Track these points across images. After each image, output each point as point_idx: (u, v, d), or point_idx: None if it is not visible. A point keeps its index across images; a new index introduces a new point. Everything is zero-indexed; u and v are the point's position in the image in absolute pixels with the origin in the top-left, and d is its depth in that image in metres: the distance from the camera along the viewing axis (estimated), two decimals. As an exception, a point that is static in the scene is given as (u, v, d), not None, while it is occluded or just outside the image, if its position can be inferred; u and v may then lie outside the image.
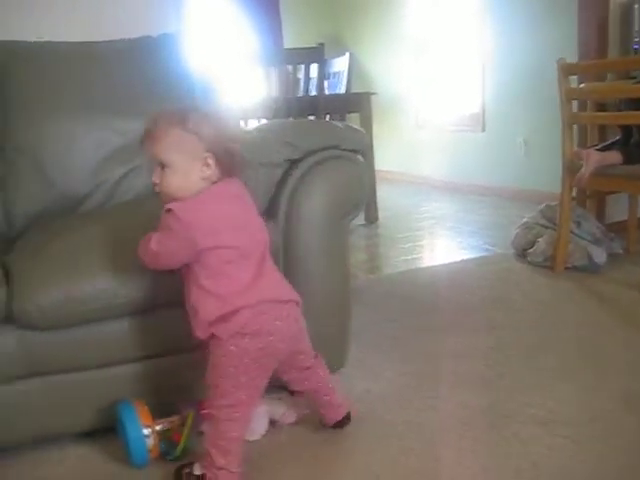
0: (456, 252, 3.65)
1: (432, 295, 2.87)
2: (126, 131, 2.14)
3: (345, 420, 1.75)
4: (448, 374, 2.06)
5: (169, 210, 1.41)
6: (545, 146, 4.54)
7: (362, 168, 1.87)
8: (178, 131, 1.44)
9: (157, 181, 1.46)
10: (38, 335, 1.60)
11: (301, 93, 4.02)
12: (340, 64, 4.99)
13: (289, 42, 5.72)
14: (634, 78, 3.10)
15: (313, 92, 4.08)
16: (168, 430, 1.63)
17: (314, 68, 4.01)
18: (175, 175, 1.44)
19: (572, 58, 3.49)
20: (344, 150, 1.84)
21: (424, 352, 2.23)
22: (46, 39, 2.31)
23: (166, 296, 1.64)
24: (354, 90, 4.96)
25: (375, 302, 2.77)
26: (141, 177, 2.14)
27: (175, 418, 1.65)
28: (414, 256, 3.60)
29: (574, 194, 3.13)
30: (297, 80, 4.05)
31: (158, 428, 1.60)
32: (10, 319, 1.58)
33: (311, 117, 3.99)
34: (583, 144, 3.38)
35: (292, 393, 1.77)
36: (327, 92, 4.68)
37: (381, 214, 4.48)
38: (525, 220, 3.35)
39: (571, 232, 3.02)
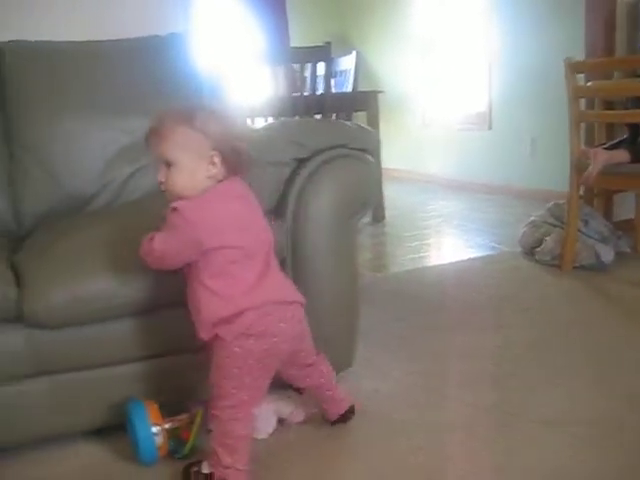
0: (463, 250, 3.65)
1: (439, 294, 2.87)
2: (133, 130, 2.14)
3: (348, 413, 1.75)
4: (456, 373, 2.06)
5: (174, 209, 1.41)
6: (552, 144, 4.53)
7: (371, 167, 1.87)
8: (184, 129, 1.43)
9: (163, 179, 1.46)
10: (46, 334, 1.61)
11: (308, 92, 4.01)
12: (347, 62, 4.98)
13: (296, 41, 5.72)
14: (641, 76, 3.09)
15: (320, 91, 4.08)
16: (177, 428, 1.63)
17: (321, 67, 4.01)
18: (181, 174, 1.43)
19: (579, 57, 3.47)
20: (353, 149, 1.84)
21: (432, 351, 2.23)
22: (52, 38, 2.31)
23: (172, 296, 1.64)
24: (361, 89, 4.94)
25: (382, 301, 2.77)
26: (148, 176, 2.14)
27: (184, 416, 1.65)
28: (421, 254, 3.60)
29: (581, 192, 3.13)
30: (304, 79, 4.05)
31: (167, 426, 1.61)
32: (20, 318, 1.58)
33: (318, 116, 3.99)
34: (590, 142, 3.36)
35: (300, 392, 1.77)
36: (334, 90, 4.67)
37: (388, 212, 4.48)
38: (532, 219, 3.35)
39: (579, 231, 3.02)
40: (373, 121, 4.25)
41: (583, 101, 3.11)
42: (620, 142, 2.94)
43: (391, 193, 4.75)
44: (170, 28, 2.45)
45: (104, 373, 1.70)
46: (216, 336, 1.45)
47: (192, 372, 1.69)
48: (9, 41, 2.28)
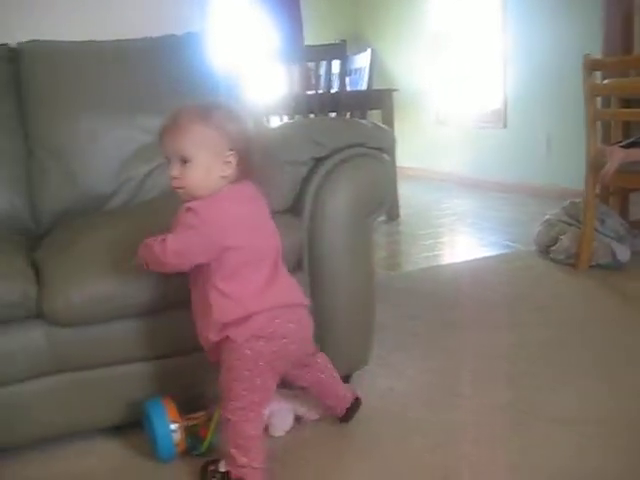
0: (477, 249, 3.65)
1: (454, 292, 2.87)
2: (150, 129, 2.14)
3: (355, 406, 1.75)
4: (470, 371, 2.06)
5: (189, 209, 1.40)
6: (568, 142, 4.51)
7: (388, 166, 1.87)
8: (203, 126, 1.43)
9: (177, 175, 1.44)
10: (65, 332, 1.62)
11: (322, 90, 4.02)
12: (362, 60, 4.98)
13: (310, 39, 5.72)
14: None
15: (334, 89, 4.09)
16: (195, 425, 1.64)
17: (336, 65, 4.01)
18: (196, 171, 1.43)
19: (595, 53, 3.46)
20: (370, 148, 1.84)
21: (446, 349, 2.23)
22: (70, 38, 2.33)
23: (188, 295, 1.65)
24: (375, 86, 4.94)
25: (397, 299, 2.77)
26: (165, 175, 2.11)
27: (202, 414, 1.66)
28: (435, 253, 3.60)
29: (597, 191, 3.11)
30: (319, 77, 4.06)
31: (185, 423, 1.62)
32: (40, 316, 1.60)
33: (332, 114, 4.00)
34: (607, 140, 3.35)
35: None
36: (348, 89, 4.67)
37: (402, 211, 4.48)
38: (548, 217, 3.34)
39: (595, 230, 3.01)
40: (388, 119, 4.26)
41: (599, 99, 3.10)
42: (637, 140, 2.93)
43: (405, 191, 4.74)
44: (187, 27, 2.47)
45: (122, 370, 1.72)
46: (226, 338, 1.45)
47: (207, 370, 1.70)
48: (27, 41, 2.30)
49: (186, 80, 2.25)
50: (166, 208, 1.50)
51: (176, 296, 1.65)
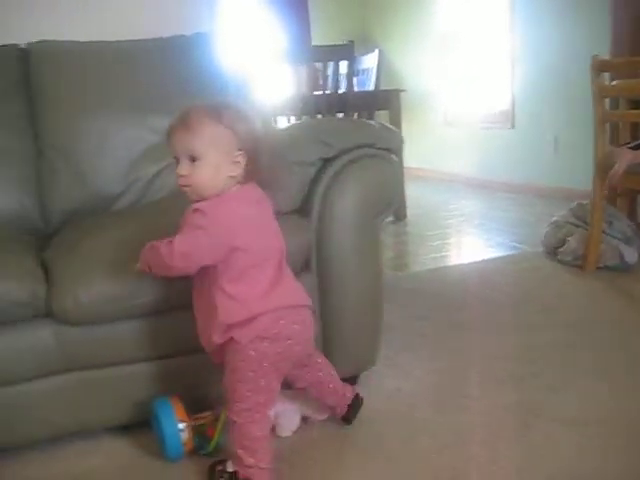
0: (484, 250, 3.64)
1: (461, 293, 2.87)
2: (159, 129, 2.14)
3: (356, 403, 1.75)
4: (478, 372, 2.06)
5: (197, 210, 1.40)
6: (575, 143, 4.51)
7: (396, 167, 1.87)
8: (213, 125, 1.42)
9: (185, 174, 1.43)
10: (74, 331, 1.63)
11: (330, 90, 4.02)
12: (369, 61, 4.98)
13: (318, 39, 5.73)
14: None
15: (342, 89, 4.09)
16: (202, 425, 1.64)
17: (344, 65, 4.02)
18: (205, 169, 1.42)
19: (603, 54, 3.45)
20: (378, 149, 1.84)
21: (454, 350, 2.23)
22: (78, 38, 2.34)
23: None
24: (383, 87, 4.94)
25: (404, 300, 2.77)
26: (173, 175, 2.13)
27: (209, 413, 1.66)
28: (442, 254, 3.60)
29: (605, 192, 3.11)
30: (326, 77, 4.06)
31: (192, 423, 1.62)
32: (49, 315, 1.61)
33: (340, 114, 4.00)
34: (615, 142, 3.34)
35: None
36: (356, 89, 4.68)
37: (409, 211, 4.48)
38: (555, 219, 3.33)
39: (602, 231, 3.00)
40: (395, 120, 4.26)
41: (607, 100, 3.09)
42: (645, 142, 2.92)
43: (413, 192, 4.75)
44: (196, 28, 2.48)
45: (129, 370, 1.72)
46: (230, 340, 1.44)
47: (214, 370, 1.70)
48: (37, 41, 2.31)
49: (195, 80, 2.25)
50: (174, 208, 1.49)
51: (184, 296, 1.65)
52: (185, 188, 1.45)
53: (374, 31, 6.74)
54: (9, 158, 2.17)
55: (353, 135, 1.85)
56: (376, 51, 4.90)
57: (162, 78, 2.30)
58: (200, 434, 1.64)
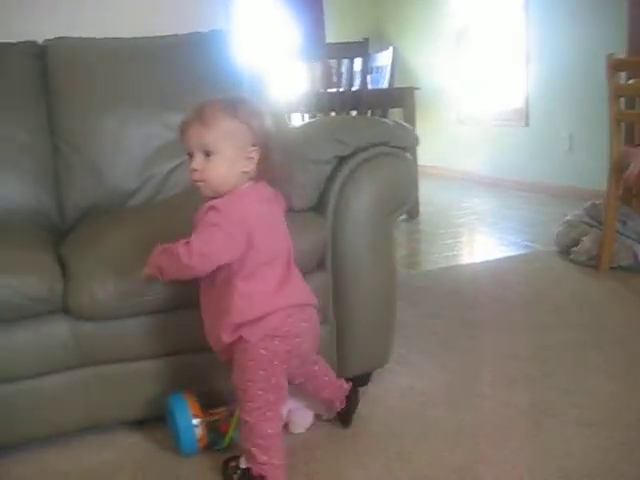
0: (497, 249, 3.63)
1: (474, 292, 2.86)
2: (174, 126, 2.08)
3: (354, 394, 1.74)
4: (491, 372, 2.06)
5: (213, 208, 1.39)
6: (590, 142, 4.49)
7: (410, 165, 1.87)
8: (229, 120, 1.42)
9: (199, 168, 1.43)
10: (90, 326, 1.64)
11: (344, 88, 4.02)
12: (383, 58, 4.98)
13: (332, 37, 5.73)
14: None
15: (355, 86, 4.09)
16: (216, 421, 1.65)
17: (358, 62, 4.02)
18: (220, 164, 1.42)
19: (619, 52, 3.44)
20: (393, 147, 1.84)
21: (467, 349, 2.23)
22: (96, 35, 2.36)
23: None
24: (397, 85, 4.94)
25: (417, 298, 2.78)
26: (188, 172, 2.16)
27: (223, 409, 1.67)
28: (455, 252, 3.60)
29: (620, 192, 3.10)
30: (340, 74, 4.06)
31: (207, 419, 1.63)
32: (66, 311, 1.62)
33: (353, 112, 4.00)
34: (630, 141, 3.33)
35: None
36: (370, 87, 4.67)
37: (422, 209, 4.48)
38: (569, 218, 3.32)
39: (616, 231, 2.99)
40: (409, 118, 4.25)
41: (623, 99, 3.08)
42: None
43: (426, 190, 4.73)
44: (211, 25, 2.49)
45: (144, 366, 1.74)
46: (239, 339, 1.45)
47: (227, 366, 1.71)
48: (54, 38, 2.33)
49: (211, 77, 2.26)
50: (189, 205, 1.49)
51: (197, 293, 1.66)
52: (199, 183, 1.45)
53: (388, 29, 6.73)
54: (26, 154, 2.18)
55: (368, 133, 1.85)
56: (390, 49, 4.90)
57: (178, 75, 2.31)
58: (214, 430, 1.65)
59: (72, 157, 2.22)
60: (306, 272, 1.72)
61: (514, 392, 1.91)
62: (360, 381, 1.94)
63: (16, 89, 2.24)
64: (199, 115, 1.43)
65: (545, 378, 1.99)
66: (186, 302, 1.65)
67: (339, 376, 1.79)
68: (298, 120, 4.10)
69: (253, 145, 1.45)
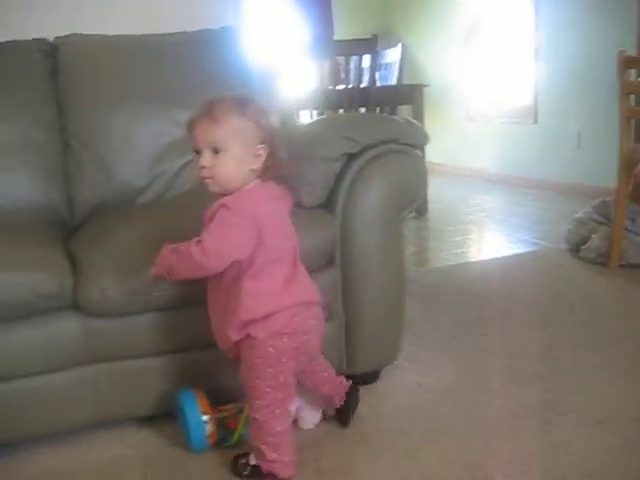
0: (506, 246, 3.63)
1: (483, 289, 2.86)
2: (184, 123, 2.10)
3: (354, 393, 1.73)
4: (500, 369, 2.05)
5: (224, 205, 1.40)
6: (599, 139, 4.47)
7: (420, 163, 1.87)
8: (239, 117, 1.43)
9: (208, 165, 1.43)
10: (100, 322, 1.65)
11: (352, 85, 4.02)
12: (392, 55, 4.98)
13: (341, 34, 5.72)
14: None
15: (364, 83, 4.09)
16: (225, 417, 1.65)
17: (366, 59, 4.01)
18: (228, 161, 1.42)
19: (629, 49, 3.42)
20: (403, 145, 1.84)
21: (476, 346, 2.23)
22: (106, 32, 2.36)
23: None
24: (405, 81, 4.94)
25: (426, 295, 2.77)
26: (196, 168, 2.17)
27: (232, 406, 1.67)
28: (464, 249, 3.59)
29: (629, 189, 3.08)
30: (348, 71, 4.06)
31: (216, 415, 1.64)
32: (76, 307, 1.63)
33: (362, 109, 4.00)
34: (639, 138, 3.32)
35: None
36: (378, 84, 4.67)
37: (431, 206, 4.47)
38: (578, 215, 3.31)
39: (625, 228, 2.98)
40: (418, 115, 4.24)
41: (633, 96, 3.06)
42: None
43: (434, 187, 4.70)
44: (221, 23, 2.49)
45: (153, 362, 1.74)
46: (247, 336, 1.45)
47: (236, 363, 1.71)
48: (64, 35, 2.34)
49: (220, 74, 2.26)
50: (198, 202, 1.49)
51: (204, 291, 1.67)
52: (207, 180, 1.45)
53: (397, 25, 6.72)
54: (37, 152, 2.19)
55: (378, 131, 1.85)
56: (399, 45, 4.91)
57: (187, 72, 2.31)
58: (223, 426, 1.65)
59: (82, 154, 2.23)
60: (315, 269, 1.73)
61: (524, 390, 1.90)
62: (368, 378, 1.95)
63: (27, 86, 2.24)
64: (208, 112, 1.43)
65: (555, 376, 1.99)
66: (194, 299, 1.66)
67: (348, 373, 1.80)
68: (307, 117, 4.10)
69: (261, 143, 1.45)
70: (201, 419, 1.60)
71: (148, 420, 1.80)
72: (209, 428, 1.62)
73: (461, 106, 6.07)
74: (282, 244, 1.48)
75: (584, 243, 3.14)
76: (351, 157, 1.83)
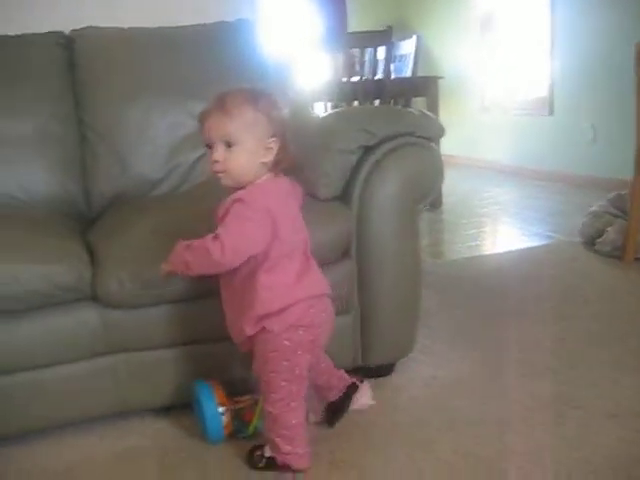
0: (520, 239, 3.62)
1: (497, 282, 2.85)
2: None
3: (354, 388, 1.72)
4: (515, 363, 2.05)
5: (239, 200, 1.39)
6: (614, 132, 4.45)
7: (436, 156, 1.87)
8: (252, 111, 1.42)
9: (220, 159, 1.42)
10: (118, 313, 1.67)
11: (367, 76, 4.02)
12: (407, 47, 4.96)
13: (356, 25, 5.71)
14: None
15: (378, 75, 4.08)
16: (241, 409, 1.66)
17: (381, 51, 4.00)
18: (241, 155, 1.42)
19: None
20: (419, 137, 1.84)
21: (490, 339, 2.23)
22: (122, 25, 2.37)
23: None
24: (420, 73, 4.92)
25: (440, 287, 2.77)
26: (209, 162, 2.18)
27: (248, 397, 1.68)
28: (478, 242, 3.59)
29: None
30: (363, 63, 4.06)
31: (232, 407, 1.65)
32: (94, 298, 1.64)
33: (376, 101, 3.99)
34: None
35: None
36: (393, 75, 4.66)
37: (445, 199, 4.46)
38: (593, 209, 3.30)
39: (641, 222, 2.97)
40: (432, 107, 4.22)
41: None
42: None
43: (449, 179, 4.64)
44: (237, 14, 2.49)
45: (171, 353, 1.75)
46: (262, 330, 1.45)
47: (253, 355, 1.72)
48: (80, 28, 2.35)
49: (236, 66, 2.27)
50: (214, 194, 1.49)
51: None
52: (220, 174, 1.45)
53: (412, 17, 6.69)
54: (53, 143, 2.21)
55: (394, 123, 1.85)
56: (414, 37, 4.88)
57: (204, 64, 2.32)
58: (239, 418, 1.66)
59: (98, 146, 2.24)
60: (331, 261, 1.74)
61: (537, 383, 1.90)
62: (383, 371, 1.96)
63: (44, 79, 2.26)
64: (221, 105, 1.43)
65: (569, 369, 1.98)
66: (207, 292, 1.66)
67: (363, 365, 1.80)
68: (321, 109, 4.10)
69: (272, 136, 1.45)
70: (218, 410, 1.62)
71: (165, 411, 1.81)
72: (225, 419, 1.63)
73: (476, 98, 6.04)
74: (295, 237, 1.48)
75: (599, 236, 3.12)
76: (367, 150, 1.83)
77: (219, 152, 1.42)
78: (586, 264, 3.02)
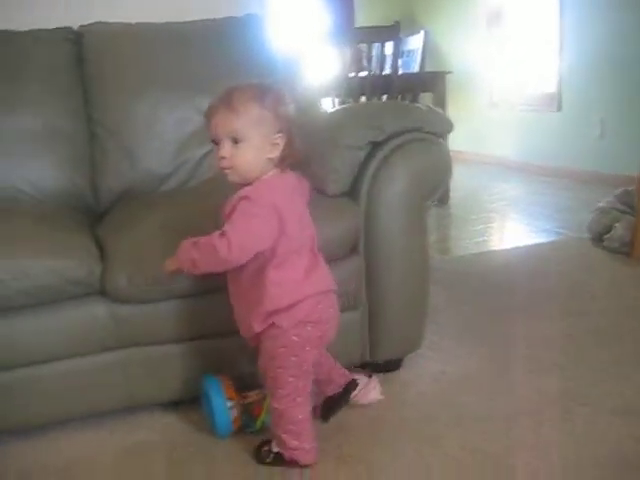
0: (528, 235, 3.61)
1: (505, 278, 2.85)
2: None
3: (353, 385, 1.72)
4: (522, 359, 2.05)
5: (246, 197, 1.39)
6: (622, 128, 4.43)
7: (444, 151, 1.87)
8: (258, 106, 1.42)
9: (227, 155, 1.42)
10: (127, 308, 1.67)
11: (374, 72, 4.01)
12: (415, 42, 4.95)
13: (363, 21, 5.70)
14: None
15: (386, 70, 4.07)
16: (250, 404, 1.67)
17: (389, 46, 4.00)
18: (247, 151, 1.41)
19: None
20: (427, 133, 1.84)
21: (498, 335, 2.23)
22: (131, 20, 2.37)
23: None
24: (428, 68, 4.91)
25: (448, 283, 2.77)
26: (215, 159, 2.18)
27: (256, 392, 1.69)
28: (485, 238, 3.58)
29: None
30: (370, 58, 4.05)
31: (241, 401, 1.65)
32: (103, 293, 1.65)
33: (384, 96, 3.99)
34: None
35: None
36: (401, 71, 4.65)
37: (453, 195, 4.44)
38: (601, 205, 3.29)
39: (649, 218, 2.96)
40: (440, 102, 4.21)
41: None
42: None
43: (456, 175, 4.63)
44: (245, 9, 2.49)
45: (179, 347, 1.76)
46: (271, 325, 1.46)
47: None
48: (89, 24, 2.35)
49: (245, 62, 2.27)
50: (222, 189, 1.49)
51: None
52: (226, 170, 1.45)
53: (420, 12, 6.67)
54: (62, 138, 2.22)
55: (402, 119, 1.84)
56: (422, 32, 4.88)
57: (212, 59, 2.32)
58: (247, 412, 1.67)
59: (107, 141, 2.25)
60: (339, 257, 1.74)
61: (546, 380, 1.90)
62: (391, 366, 1.96)
63: (53, 74, 2.26)
64: (228, 102, 1.42)
65: (576, 366, 1.98)
66: (216, 286, 1.66)
67: (371, 361, 1.80)
68: (329, 105, 4.10)
69: (278, 132, 1.44)
70: (226, 405, 1.62)
71: (174, 405, 1.82)
72: (233, 414, 1.64)
73: (484, 94, 6.02)
74: (302, 233, 1.48)
75: (607, 232, 3.12)
76: (375, 145, 1.83)
77: (226, 148, 1.42)
78: (594, 260, 3.02)
